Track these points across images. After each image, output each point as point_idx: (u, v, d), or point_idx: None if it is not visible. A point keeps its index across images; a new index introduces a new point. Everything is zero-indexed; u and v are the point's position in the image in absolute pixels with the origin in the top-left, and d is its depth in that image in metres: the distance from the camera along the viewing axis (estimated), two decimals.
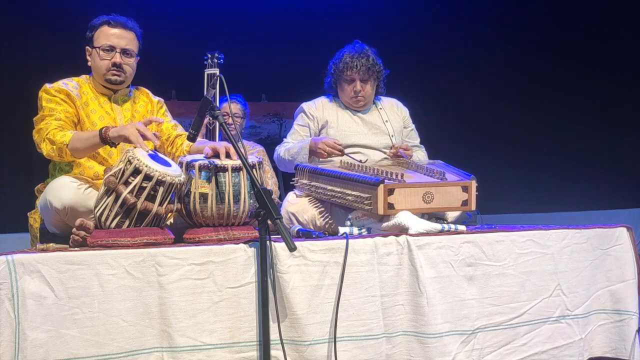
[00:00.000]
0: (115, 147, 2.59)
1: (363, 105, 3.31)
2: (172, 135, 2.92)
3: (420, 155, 3.37)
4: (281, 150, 3.28)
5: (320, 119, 3.30)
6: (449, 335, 2.37)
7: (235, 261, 2.18)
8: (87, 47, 2.83)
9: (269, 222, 2.09)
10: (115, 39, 2.77)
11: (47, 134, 2.60)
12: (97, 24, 2.81)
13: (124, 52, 2.79)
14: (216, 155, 2.47)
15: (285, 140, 3.36)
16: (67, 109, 2.70)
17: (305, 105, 3.37)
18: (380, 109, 3.38)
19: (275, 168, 3.92)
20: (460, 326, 2.40)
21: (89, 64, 2.85)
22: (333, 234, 2.73)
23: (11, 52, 5.23)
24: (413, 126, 3.46)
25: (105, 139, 2.46)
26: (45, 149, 2.61)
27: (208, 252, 2.16)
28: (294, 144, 3.23)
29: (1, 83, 5.22)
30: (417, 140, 3.46)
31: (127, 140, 2.39)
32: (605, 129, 6.62)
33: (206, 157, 2.45)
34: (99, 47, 2.76)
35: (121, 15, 2.86)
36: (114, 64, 2.77)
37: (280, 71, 5.84)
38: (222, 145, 2.47)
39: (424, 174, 2.82)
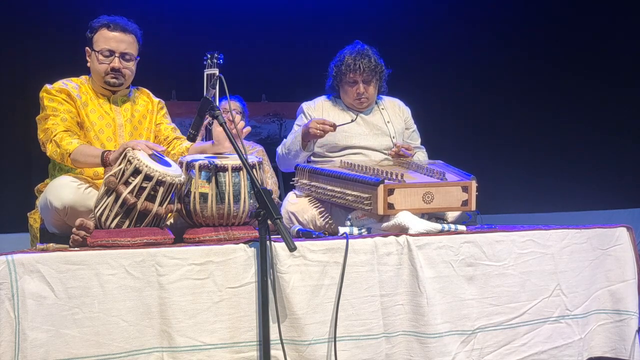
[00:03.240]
0: None
1: (367, 106, 3.30)
2: (171, 136, 2.94)
3: (420, 156, 3.36)
4: (279, 149, 3.28)
5: None
6: (449, 335, 2.37)
7: (235, 261, 2.18)
8: (87, 48, 2.83)
9: (269, 222, 2.09)
10: (114, 43, 2.76)
11: (54, 136, 2.62)
12: (96, 25, 2.79)
13: (123, 56, 2.78)
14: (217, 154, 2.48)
15: (284, 140, 3.35)
16: (69, 109, 2.71)
17: (305, 105, 3.35)
18: (382, 109, 3.36)
19: (275, 168, 3.92)
20: (460, 326, 2.40)
21: (88, 64, 2.85)
22: (333, 234, 2.73)
23: (11, 52, 5.24)
24: (415, 127, 3.44)
25: (106, 163, 2.46)
26: (50, 149, 2.63)
27: (208, 252, 2.16)
28: (289, 138, 3.23)
29: (1, 83, 5.22)
30: (418, 141, 3.45)
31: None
32: (605, 129, 6.62)
33: (207, 157, 2.46)
34: (98, 51, 2.76)
35: (122, 15, 2.85)
36: (113, 69, 2.77)
37: (280, 71, 5.84)
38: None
39: (424, 174, 2.82)
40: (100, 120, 2.78)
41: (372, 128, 3.27)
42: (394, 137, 3.27)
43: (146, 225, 2.29)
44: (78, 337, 2.01)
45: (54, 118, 2.66)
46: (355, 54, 3.20)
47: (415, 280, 2.35)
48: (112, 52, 2.76)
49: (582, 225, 2.68)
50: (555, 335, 2.55)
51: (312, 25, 5.93)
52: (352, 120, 2.95)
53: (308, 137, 3.06)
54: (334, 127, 3.02)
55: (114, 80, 2.78)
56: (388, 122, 3.31)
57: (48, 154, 2.66)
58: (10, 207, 5.04)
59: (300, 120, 3.32)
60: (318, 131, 2.99)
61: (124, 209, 2.25)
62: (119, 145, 2.62)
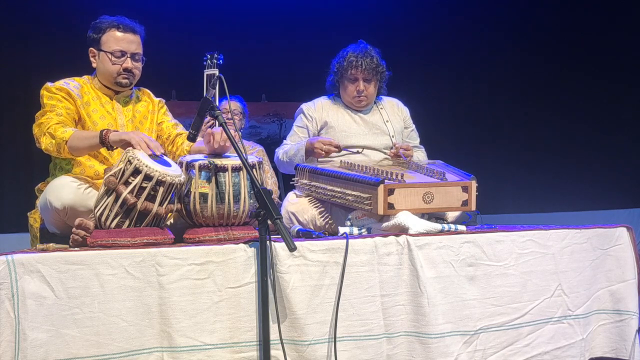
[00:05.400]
0: (113, 151, 2.59)
1: (365, 105, 3.29)
2: (173, 134, 2.93)
3: (419, 155, 3.36)
4: (280, 152, 3.27)
5: (319, 120, 3.28)
6: (451, 336, 2.37)
7: (235, 261, 2.17)
8: (92, 48, 2.81)
9: (269, 222, 2.09)
10: (125, 44, 2.77)
11: (47, 128, 2.61)
12: (103, 26, 2.78)
13: (134, 56, 2.80)
14: (215, 154, 2.48)
15: (284, 142, 3.35)
16: (68, 106, 2.71)
17: (304, 106, 3.35)
18: (381, 108, 3.36)
19: (275, 168, 3.92)
20: (463, 326, 2.40)
21: (94, 65, 2.83)
22: (333, 234, 2.73)
23: (12, 52, 5.24)
24: (413, 126, 3.44)
25: (105, 141, 2.47)
26: (45, 142, 2.62)
27: (208, 252, 2.16)
28: (291, 145, 3.23)
29: (2, 83, 5.23)
30: (417, 141, 3.45)
31: (127, 144, 2.39)
32: (606, 129, 6.62)
33: (206, 157, 2.46)
34: (109, 52, 2.76)
35: (122, 15, 2.85)
36: (125, 69, 2.78)
37: (280, 71, 5.85)
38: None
39: (424, 174, 2.82)
40: (102, 120, 2.78)
41: (371, 127, 3.27)
42: (393, 137, 3.27)
43: (146, 225, 2.29)
44: (78, 337, 2.01)
45: (50, 113, 2.66)
46: (359, 52, 3.22)
47: (416, 280, 2.34)
48: (124, 53, 2.77)
49: (582, 225, 2.68)
50: (558, 335, 2.55)
51: (312, 25, 5.94)
52: (358, 152, 2.98)
53: (312, 154, 3.10)
54: (339, 149, 3.06)
55: (125, 80, 2.80)
56: (387, 121, 3.31)
57: (43, 147, 2.64)
58: (10, 207, 5.05)
59: (300, 122, 3.32)
60: (323, 152, 3.05)
61: (124, 209, 2.25)
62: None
